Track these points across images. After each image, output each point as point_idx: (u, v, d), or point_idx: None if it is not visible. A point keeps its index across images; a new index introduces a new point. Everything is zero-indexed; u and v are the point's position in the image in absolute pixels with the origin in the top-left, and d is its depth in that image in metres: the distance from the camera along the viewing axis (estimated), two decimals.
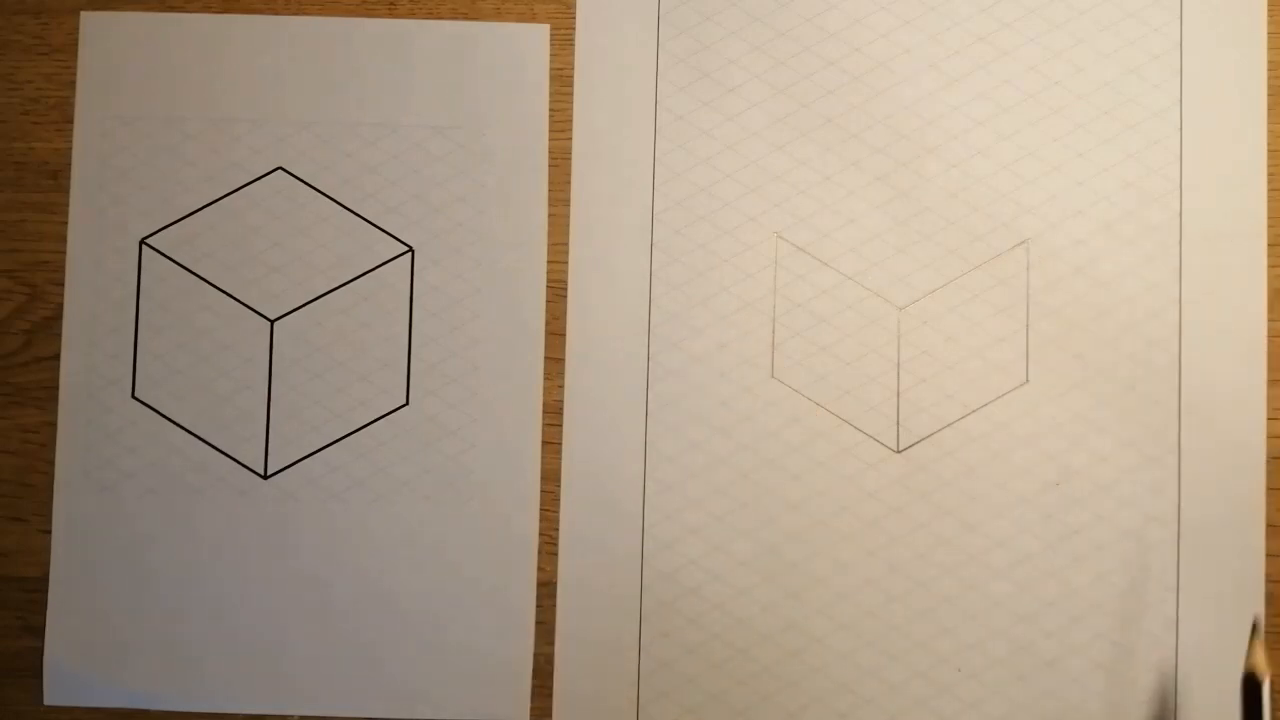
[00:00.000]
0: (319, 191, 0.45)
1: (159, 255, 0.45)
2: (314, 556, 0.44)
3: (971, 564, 0.43)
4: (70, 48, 0.46)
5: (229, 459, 0.45)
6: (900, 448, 0.44)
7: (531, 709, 0.44)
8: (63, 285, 0.45)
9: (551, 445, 0.44)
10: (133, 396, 0.45)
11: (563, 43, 0.45)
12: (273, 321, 0.45)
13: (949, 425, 0.44)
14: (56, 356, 0.45)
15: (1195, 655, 0.43)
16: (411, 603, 0.44)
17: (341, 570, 0.44)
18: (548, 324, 0.45)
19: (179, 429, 0.45)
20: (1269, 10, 0.44)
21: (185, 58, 0.46)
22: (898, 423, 0.44)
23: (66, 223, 0.46)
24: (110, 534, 0.45)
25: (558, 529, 0.44)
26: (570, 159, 0.45)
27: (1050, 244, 0.44)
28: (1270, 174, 0.44)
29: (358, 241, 0.45)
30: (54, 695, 0.44)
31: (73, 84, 0.46)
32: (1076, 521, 0.43)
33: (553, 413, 0.45)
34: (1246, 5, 0.44)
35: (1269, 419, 0.43)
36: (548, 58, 0.46)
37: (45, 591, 0.45)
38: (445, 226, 0.45)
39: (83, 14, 0.46)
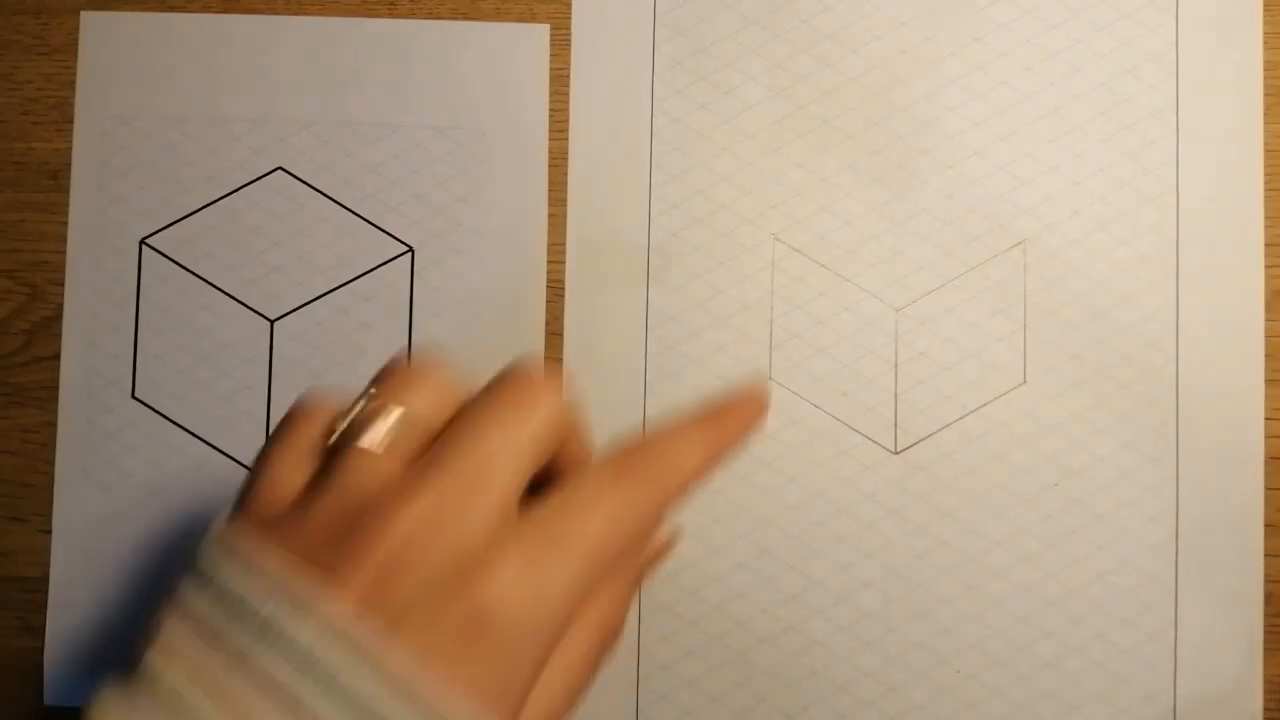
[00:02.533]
0: (319, 191, 0.44)
1: (159, 255, 0.44)
2: None
3: (970, 565, 0.42)
4: (70, 48, 0.45)
5: (229, 459, 0.43)
6: (898, 449, 0.42)
7: None
8: (63, 285, 0.44)
9: None
10: (133, 396, 0.44)
11: (563, 43, 0.44)
12: (273, 322, 0.44)
13: (947, 426, 0.42)
14: (56, 356, 0.44)
15: (1194, 655, 0.41)
16: None
17: None
18: (548, 324, 0.44)
19: (179, 429, 0.43)
20: (1265, 10, 0.43)
21: (185, 57, 0.44)
22: (895, 424, 0.42)
23: (66, 223, 0.44)
24: (110, 534, 0.43)
25: None
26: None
27: (1047, 245, 0.43)
28: (1267, 174, 0.43)
29: (358, 241, 0.44)
30: (54, 695, 0.43)
31: (73, 84, 0.44)
32: (1075, 522, 0.42)
33: None
34: (1242, 5, 0.43)
35: (1267, 419, 0.42)
36: (548, 58, 0.44)
37: (45, 591, 0.43)
38: (445, 226, 0.44)
39: (83, 14, 0.45)
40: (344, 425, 0.28)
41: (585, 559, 0.26)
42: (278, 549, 0.25)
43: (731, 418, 0.30)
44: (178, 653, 0.24)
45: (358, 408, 0.28)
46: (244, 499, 0.27)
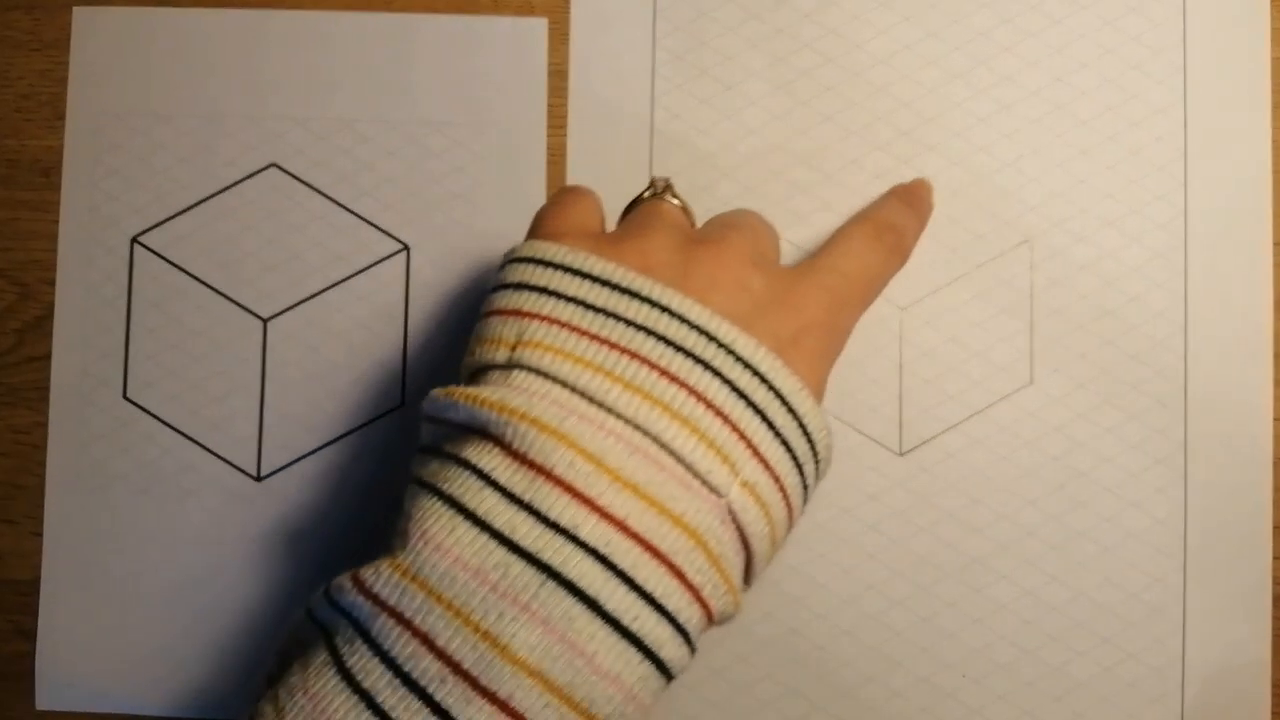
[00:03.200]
0: (313, 188, 0.43)
1: (151, 253, 0.43)
2: (308, 560, 0.42)
3: (975, 568, 0.41)
4: (62, 43, 0.44)
5: (222, 460, 0.42)
6: (903, 450, 0.41)
7: None
8: (54, 284, 0.43)
9: None
10: (124, 397, 0.43)
11: (561, 37, 0.43)
12: (266, 321, 0.43)
13: (952, 427, 0.41)
14: (48, 356, 0.43)
15: (1202, 658, 0.41)
16: None
17: (337, 573, 0.42)
18: None
19: (171, 430, 0.42)
20: (1273, 6, 0.42)
21: (178, 53, 0.43)
22: (900, 425, 0.42)
23: (58, 221, 0.43)
24: (102, 536, 0.42)
25: None
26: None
27: (1053, 242, 0.42)
28: (1275, 171, 0.42)
29: (352, 239, 0.43)
30: (46, 699, 0.42)
31: (65, 80, 0.44)
32: (1082, 524, 0.41)
33: None
34: (1250, 1, 0.42)
35: (1276, 419, 0.41)
36: (546, 52, 0.43)
37: (37, 595, 0.42)
38: (441, 224, 0.43)
39: (75, 10, 0.44)
40: (645, 193, 0.35)
41: (863, 294, 0.35)
42: (635, 265, 0.31)
43: (920, 198, 0.40)
44: (553, 346, 0.29)
45: (647, 191, 0.35)
46: (556, 227, 0.33)
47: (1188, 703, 0.41)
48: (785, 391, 0.29)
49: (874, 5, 0.43)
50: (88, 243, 0.43)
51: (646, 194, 0.35)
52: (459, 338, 0.42)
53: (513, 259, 0.32)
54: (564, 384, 0.28)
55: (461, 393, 0.28)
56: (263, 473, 0.42)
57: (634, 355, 0.28)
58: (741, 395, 0.28)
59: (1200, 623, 0.41)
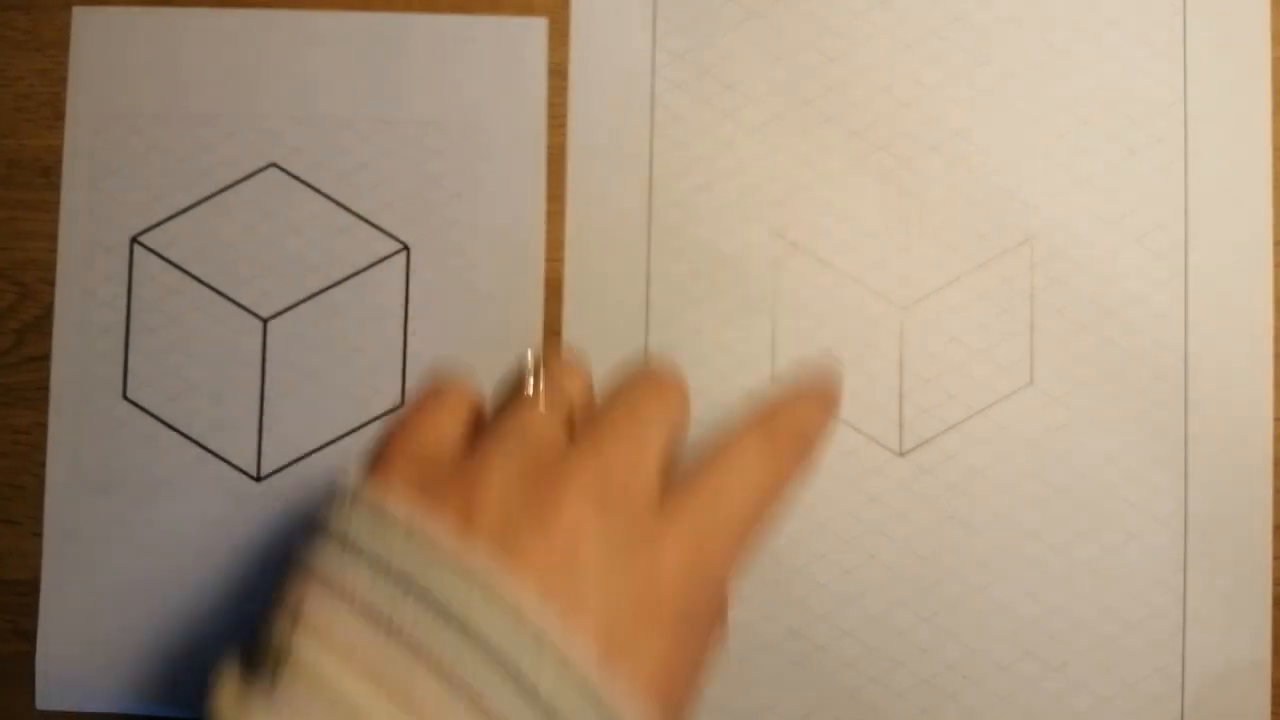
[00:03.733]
0: (312, 188, 0.43)
1: (150, 253, 0.43)
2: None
3: (976, 568, 0.41)
4: (62, 43, 0.44)
5: (221, 461, 0.42)
6: (903, 450, 0.41)
7: None
8: (53, 284, 0.43)
9: None
10: (124, 397, 0.42)
11: (561, 36, 0.43)
12: (265, 321, 0.43)
13: (952, 427, 0.41)
14: (47, 356, 0.43)
15: (1202, 658, 0.40)
16: None
17: None
18: (546, 323, 0.42)
19: (170, 430, 0.42)
20: (1272, 6, 0.42)
21: (177, 53, 0.43)
22: (900, 425, 0.41)
23: (57, 221, 0.43)
24: (102, 536, 0.42)
25: None
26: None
27: (1054, 242, 0.42)
28: (1276, 171, 0.41)
29: (352, 239, 0.43)
30: (46, 700, 0.42)
31: (64, 80, 0.43)
32: (1082, 525, 0.41)
33: None
34: (1250, 1, 0.42)
35: (1276, 419, 0.41)
36: (546, 51, 0.43)
37: (36, 595, 0.42)
38: (441, 224, 0.43)
39: (75, 9, 0.44)
40: (504, 391, 0.29)
41: (751, 532, 0.27)
42: (452, 518, 0.24)
43: (832, 396, 0.31)
44: (329, 634, 0.24)
45: (513, 383, 0.29)
46: (389, 455, 0.27)
47: (1188, 703, 0.40)
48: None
49: (875, 4, 0.42)
50: (87, 243, 0.43)
51: (530, 380, 0.29)
52: (459, 338, 0.42)
53: (316, 524, 0.27)
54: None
55: (216, 712, 0.24)
56: (262, 473, 0.42)
57: (400, 691, 0.23)
58: None
59: (1200, 623, 0.41)
